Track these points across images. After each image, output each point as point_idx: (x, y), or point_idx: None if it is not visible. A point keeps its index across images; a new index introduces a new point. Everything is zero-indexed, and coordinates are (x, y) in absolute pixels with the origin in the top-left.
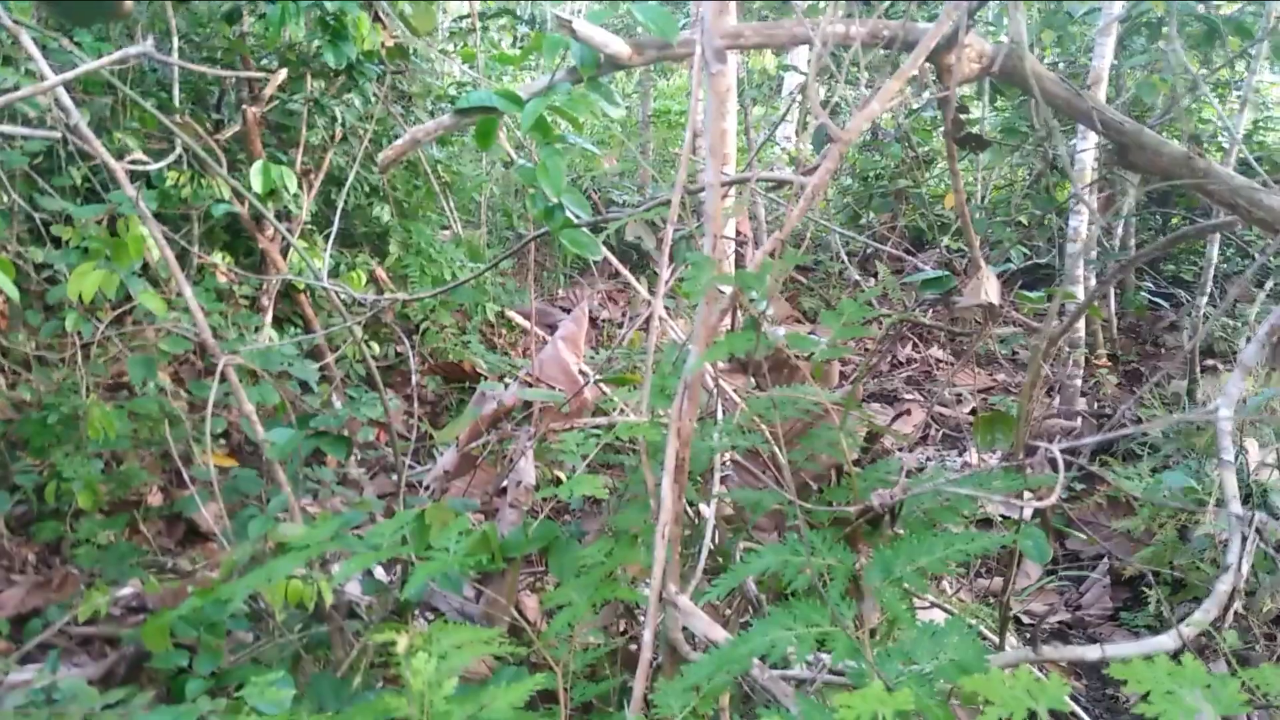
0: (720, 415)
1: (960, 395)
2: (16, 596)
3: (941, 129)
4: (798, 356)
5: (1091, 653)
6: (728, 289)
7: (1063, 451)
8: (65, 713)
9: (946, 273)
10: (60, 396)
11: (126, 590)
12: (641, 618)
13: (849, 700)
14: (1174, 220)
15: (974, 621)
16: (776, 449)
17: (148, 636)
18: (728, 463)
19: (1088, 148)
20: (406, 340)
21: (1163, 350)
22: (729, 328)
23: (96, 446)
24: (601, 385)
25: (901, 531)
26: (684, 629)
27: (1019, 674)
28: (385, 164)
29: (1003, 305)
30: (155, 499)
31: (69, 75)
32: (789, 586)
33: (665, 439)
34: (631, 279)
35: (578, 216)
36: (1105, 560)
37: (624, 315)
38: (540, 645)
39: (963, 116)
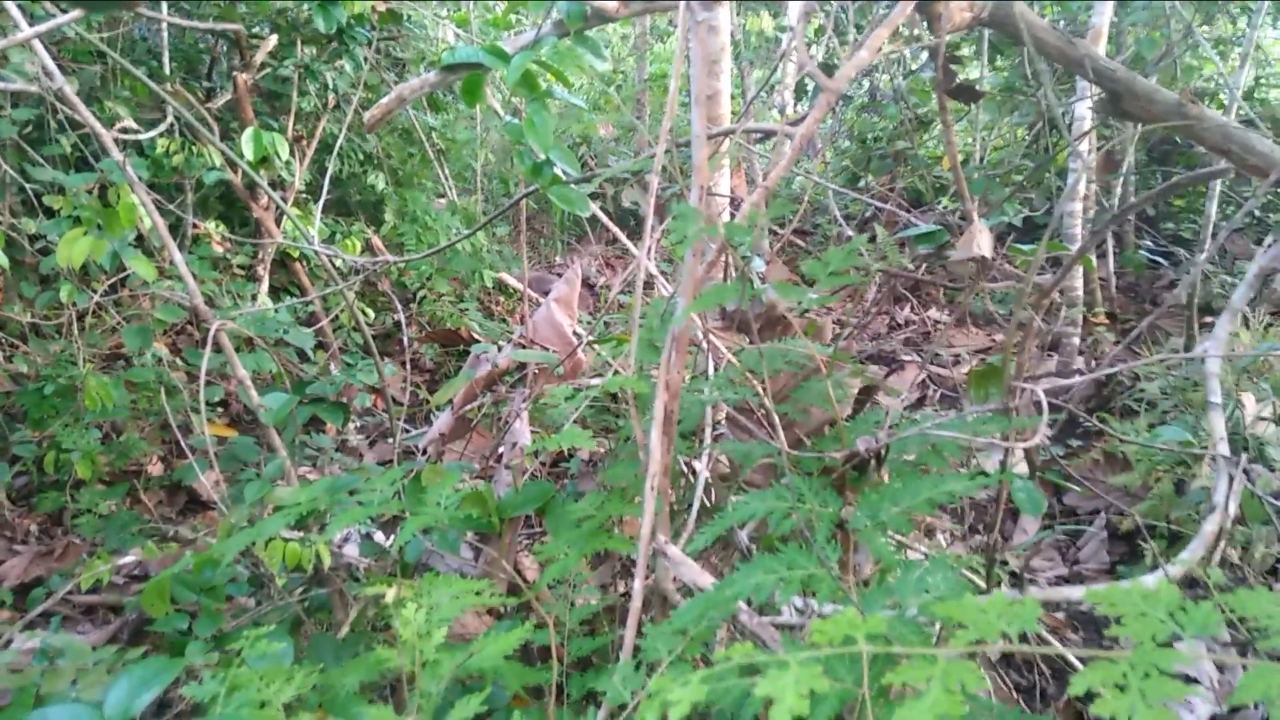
0: (711, 371)
1: (958, 356)
2: (19, 566)
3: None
4: (789, 313)
5: (1076, 593)
6: (715, 240)
7: (1050, 395)
8: (59, 668)
9: (939, 227)
10: (57, 368)
11: (128, 558)
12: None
13: (823, 626)
14: (1173, 179)
15: (967, 573)
16: (766, 402)
17: (147, 600)
18: (722, 420)
19: (1085, 99)
20: (403, 308)
21: (1161, 308)
22: (720, 281)
23: (94, 417)
24: (595, 347)
25: (887, 477)
26: (675, 579)
27: (993, 598)
28: (371, 123)
29: (996, 259)
30: (155, 469)
31: (43, 27)
32: (778, 533)
33: (654, 392)
34: (626, 239)
35: (566, 174)
36: (1102, 515)
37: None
38: (533, 598)
39: (955, 69)
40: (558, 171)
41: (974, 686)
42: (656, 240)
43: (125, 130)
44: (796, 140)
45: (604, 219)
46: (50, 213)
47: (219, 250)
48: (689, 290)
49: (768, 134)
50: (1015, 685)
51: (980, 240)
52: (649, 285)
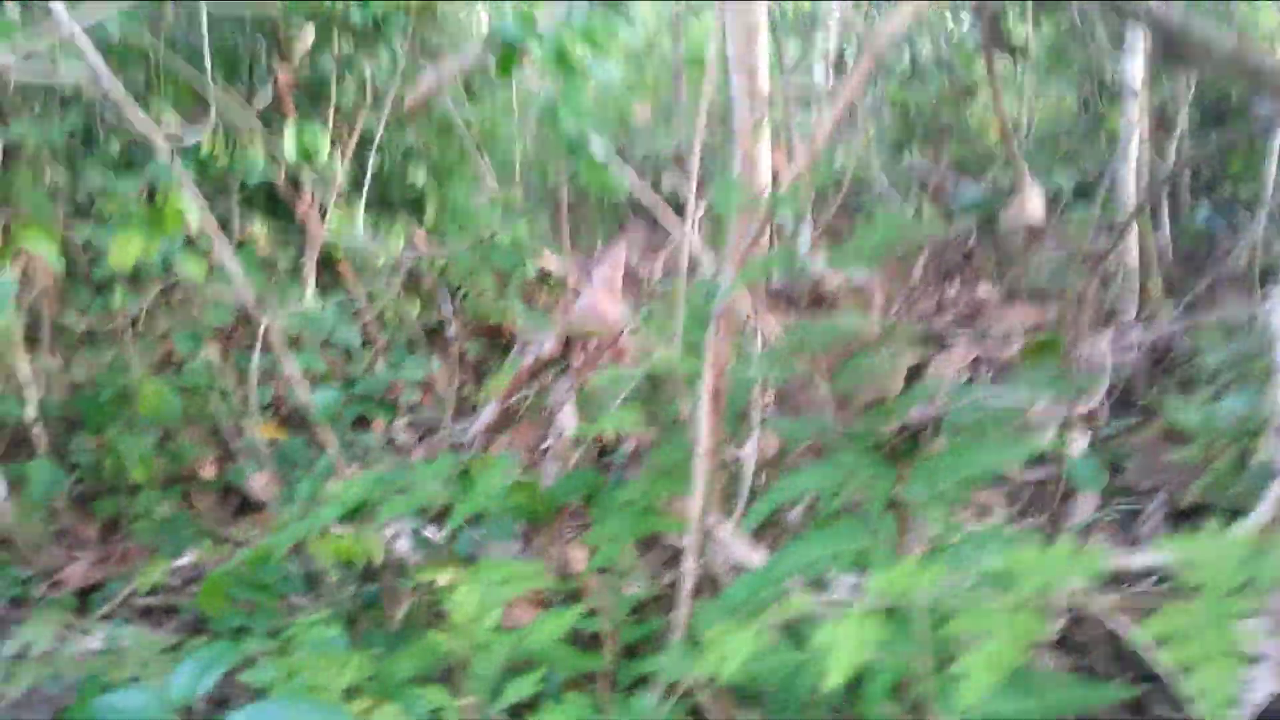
0: (759, 349)
1: (1009, 334)
2: (80, 571)
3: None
4: (837, 287)
5: (1142, 558)
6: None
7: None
8: (122, 659)
9: (989, 195)
10: (111, 374)
11: (185, 560)
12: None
13: (881, 580)
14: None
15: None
16: (817, 377)
17: (205, 598)
18: (769, 404)
19: (1136, 54)
20: (450, 301)
21: (1221, 277)
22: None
23: (149, 422)
24: (641, 330)
25: (941, 448)
26: (726, 560)
27: (1055, 549)
28: (412, 108)
29: (1048, 225)
30: (209, 472)
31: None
32: (830, 509)
33: (701, 369)
34: (664, 214)
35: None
36: (1161, 492)
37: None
38: (583, 583)
39: (1005, 30)
40: (594, 151)
41: (1037, 634)
42: (699, 216)
43: (170, 136)
44: (842, 99)
45: (637, 186)
46: (101, 219)
47: (264, 254)
48: (734, 261)
49: (809, 99)
50: (1073, 668)
51: (1031, 205)
52: (692, 265)
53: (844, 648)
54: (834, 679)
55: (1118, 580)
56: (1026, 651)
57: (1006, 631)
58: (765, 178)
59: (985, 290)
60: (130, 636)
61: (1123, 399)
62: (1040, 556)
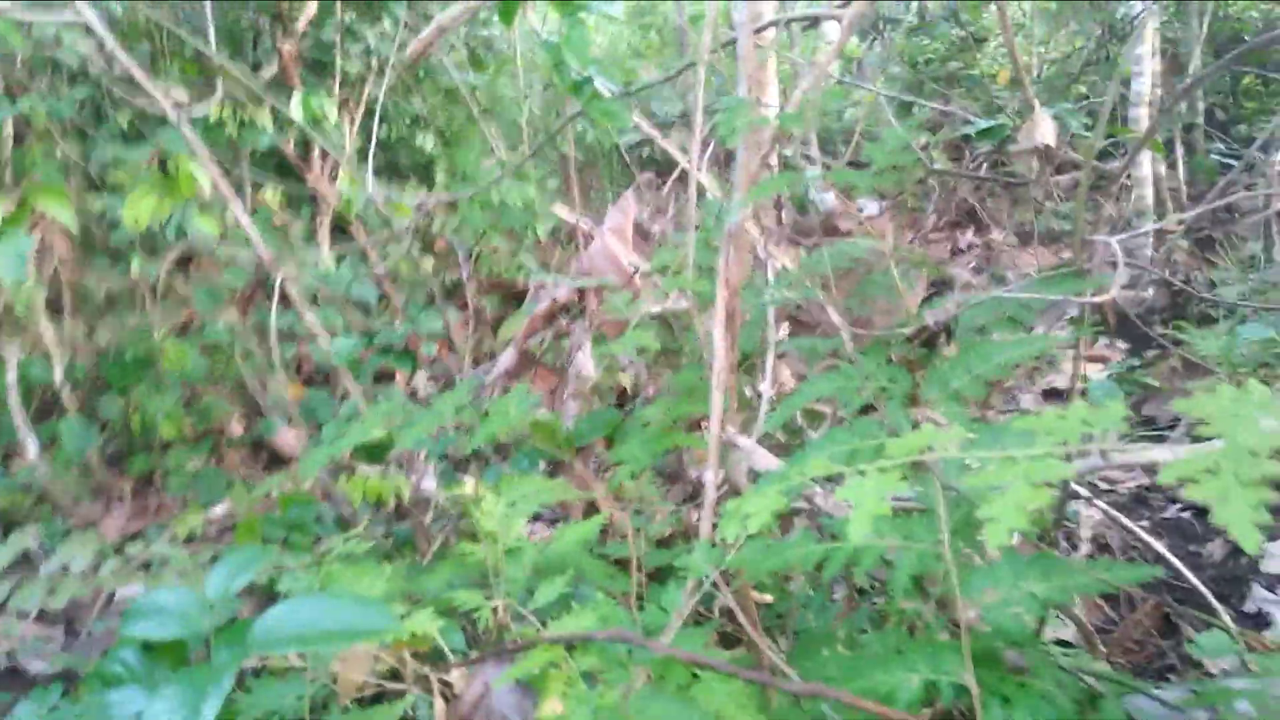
0: (771, 279)
1: (1025, 277)
2: (117, 521)
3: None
4: (848, 219)
5: (1160, 453)
6: (766, 130)
7: (1123, 307)
8: (160, 573)
9: (999, 122)
10: (135, 337)
11: (219, 510)
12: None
13: (899, 441)
14: (1245, 80)
15: None
16: (829, 297)
17: (240, 540)
18: (784, 339)
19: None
20: (461, 256)
21: (1236, 215)
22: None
23: (174, 379)
24: (652, 274)
25: (956, 351)
26: (747, 470)
27: (1072, 406)
28: (414, 55)
29: (1059, 148)
30: (237, 428)
31: None
32: (849, 412)
33: (714, 289)
34: (674, 149)
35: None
36: (1183, 423)
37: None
38: (609, 496)
39: None
40: (599, 88)
41: (1058, 478)
42: (706, 148)
43: (177, 103)
44: (847, 22)
45: (644, 127)
46: (113, 189)
47: (278, 224)
48: (744, 182)
49: (816, 20)
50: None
51: (1042, 128)
52: (701, 194)
53: (866, 502)
54: (857, 530)
55: (1143, 501)
56: (1050, 495)
57: (1029, 479)
58: (772, 98)
59: (998, 236)
60: (164, 552)
61: (1140, 335)
62: (1060, 417)
